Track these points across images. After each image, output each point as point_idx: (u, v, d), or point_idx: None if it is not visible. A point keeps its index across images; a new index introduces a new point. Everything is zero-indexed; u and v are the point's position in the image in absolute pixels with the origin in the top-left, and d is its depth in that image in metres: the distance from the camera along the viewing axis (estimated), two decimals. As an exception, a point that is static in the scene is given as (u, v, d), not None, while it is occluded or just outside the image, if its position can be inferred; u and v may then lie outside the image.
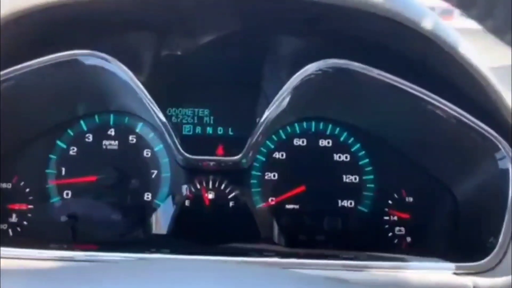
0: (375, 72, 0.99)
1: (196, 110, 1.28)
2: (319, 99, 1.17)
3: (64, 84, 1.10)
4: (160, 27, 1.11)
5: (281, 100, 1.09)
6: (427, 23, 0.89)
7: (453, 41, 0.92)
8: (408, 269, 0.92)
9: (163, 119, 1.11)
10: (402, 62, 1.01)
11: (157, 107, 1.09)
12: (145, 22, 1.08)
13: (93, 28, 1.06)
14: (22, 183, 1.21)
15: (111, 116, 1.23)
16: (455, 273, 0.91)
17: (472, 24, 0.61)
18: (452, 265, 0.92)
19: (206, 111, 1.28)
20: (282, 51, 1.18)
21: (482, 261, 0.91)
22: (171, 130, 1.12)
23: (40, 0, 0.94)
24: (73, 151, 1.23)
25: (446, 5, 0.60)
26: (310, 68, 1.03)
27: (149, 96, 1.07)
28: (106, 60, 1.02)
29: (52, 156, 1.22)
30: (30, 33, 1.02)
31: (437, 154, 1.15)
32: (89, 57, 1.01)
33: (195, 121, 1.28)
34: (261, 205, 1.23)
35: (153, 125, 1.22)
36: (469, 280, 0.89)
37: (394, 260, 0.96)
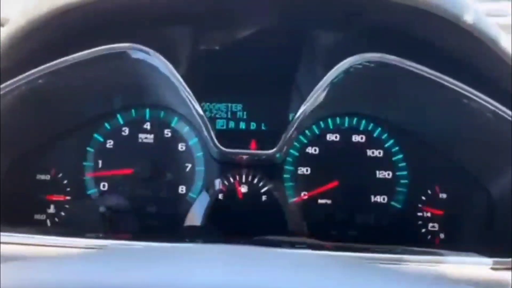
0: (411, 65, 0.99)
1: (229, 104, 1.29)
2: (354, 94, 1.17)
3: (102, 78, 1.12)
4: (196, 21, 1.12)
5: (318, 94, 1.09)
6: (468, 16, 0.88)
7: (493, 34, 0.91)
8: (444, 263, 0.91)
9: (201, 112, 1.12)
10: (438, 55, 1.00)
11: (195, 100, 1.10)
12: (181, 15, 1.09)
13: (130, 22, 1.07)
14: (60, 175, 1.24)
15: (147, 110, 1.26)
16: (492, 268, 0.90)
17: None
18: (489, 260, 0.91)
19: (239, 106, 1.29)
20: (318, 46, 1.18)
21: (521, 256, 0.90)
22: (208, 123, 1.14)
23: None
24: (109, 144, 1.25)
25: None
26: (348, 62, 1.03)
27: (188, 90, 1.09)
28: (147, 53, 1.03)
29: (89, 149, 1.25)
30: (70, 28, 1.04)
31: (472, 150, 1.14)
32: (132, 50, 1.03)
33: (229, 115, 1.29)
34: (293, 199, 1.23)
35: (188, 119, 1.23)
36: (508, 275, 0.89)
37: (430, 254, 0.95)
